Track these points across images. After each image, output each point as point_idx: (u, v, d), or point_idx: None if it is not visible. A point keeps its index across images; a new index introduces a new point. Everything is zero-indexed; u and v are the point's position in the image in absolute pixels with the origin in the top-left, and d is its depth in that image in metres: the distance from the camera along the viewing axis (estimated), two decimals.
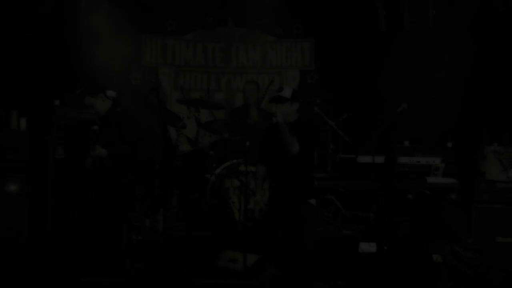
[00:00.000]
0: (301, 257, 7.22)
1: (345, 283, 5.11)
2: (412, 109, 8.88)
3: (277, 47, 11.07)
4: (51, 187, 9.09)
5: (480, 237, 8.29)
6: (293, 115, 7.40)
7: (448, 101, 10.03)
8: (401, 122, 9.06)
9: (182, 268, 5.06)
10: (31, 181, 8.84)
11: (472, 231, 8.74)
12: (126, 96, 9.41)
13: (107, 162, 7.80)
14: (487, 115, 9.91)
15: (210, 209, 9.00)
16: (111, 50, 10.04)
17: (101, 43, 10.00)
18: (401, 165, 9.04)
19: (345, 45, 10.81)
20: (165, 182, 8.92)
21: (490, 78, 10.09)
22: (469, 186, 9.09)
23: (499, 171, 8.62)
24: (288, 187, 7.30)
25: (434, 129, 10.07)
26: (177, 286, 4.42)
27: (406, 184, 8.78)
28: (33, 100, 9.64)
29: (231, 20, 10.99)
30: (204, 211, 9.05)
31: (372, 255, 7.69)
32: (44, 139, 9.22)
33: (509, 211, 8.81)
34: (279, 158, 7.33)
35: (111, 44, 10.05)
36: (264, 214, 7.85)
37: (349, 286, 5.13)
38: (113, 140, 7.82)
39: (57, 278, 4.67)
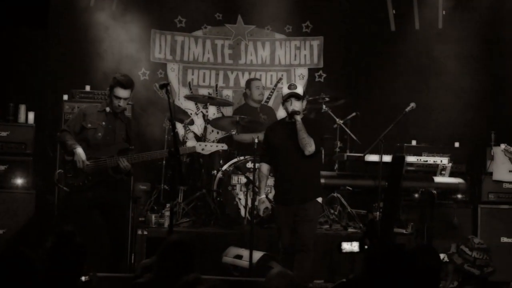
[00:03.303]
0: (303, 255, 7.22)
1: (355, 276, 5.11)
2: (420, 109, 8.90)
3: (286, 44, 11.06)
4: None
5: (485, 237, 8.29)
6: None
7: (456, 101, 10.02)
8: (409, 121, 9.08)
9: (190, 264, 5.06)
10: (39, 175, 8.85)
11: (478, 231, 8.75)
12: (135, 92, 9.44)
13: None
14: (495, 115, 9.91)
15: (217, 205, 9.01)
16: (120, 45, 10.05)
17: (110, 39, 10.00)
18: (408, 165, 9.03)
19: (354, 44, 10.82)
20: (171, 178, 8.95)
21: (499, 78, 10.08)
22: (475, 186, 9.10)
23: (506, 172, 8.61)
24: (295, 185, 7.27)
25: (442, 129, 10.06)
26: (183, 282, 4.41)
27: (413, 184, 8.77)
28: (41, 94, 9.67)
29: (240, 17, 10.98)
30: (210, 207, 9.06)
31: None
32: (52, 133, 9.23)
33: None
34: (285, 156, 7.29)
35: (120, 40, 10.06)
36: (269, 213, 7.85)
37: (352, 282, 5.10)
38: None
39: (65, 273, 4.67)
